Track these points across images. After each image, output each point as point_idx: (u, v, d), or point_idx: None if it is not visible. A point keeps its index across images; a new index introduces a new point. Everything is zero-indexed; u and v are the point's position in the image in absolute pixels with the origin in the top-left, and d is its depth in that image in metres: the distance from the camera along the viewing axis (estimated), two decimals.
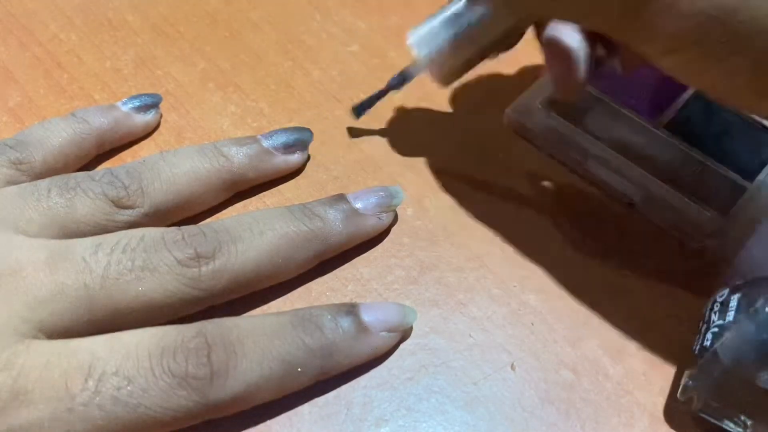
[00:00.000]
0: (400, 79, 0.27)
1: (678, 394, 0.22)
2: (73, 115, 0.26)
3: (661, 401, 0.23)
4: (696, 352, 0.22)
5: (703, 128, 0.28)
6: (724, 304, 0.22)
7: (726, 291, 0.22)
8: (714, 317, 0.22)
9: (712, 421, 0.21)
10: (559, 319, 0.25)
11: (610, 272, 0.26)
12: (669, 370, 0.24)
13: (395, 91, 0.27)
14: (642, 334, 0.24)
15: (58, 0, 0.33)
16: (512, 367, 0.23)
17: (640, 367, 0.24)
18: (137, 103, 0.28)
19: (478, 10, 0.24)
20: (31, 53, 0.31)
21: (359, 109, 0.28)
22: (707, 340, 0.21)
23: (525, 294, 0.25)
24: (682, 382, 0.22)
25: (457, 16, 0.24)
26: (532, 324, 0.24)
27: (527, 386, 0.23)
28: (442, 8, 0.25)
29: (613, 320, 0.25)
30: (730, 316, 0.21)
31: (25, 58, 0.31)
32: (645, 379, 0.23)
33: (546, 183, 0.28)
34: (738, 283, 0.22)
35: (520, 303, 0.25)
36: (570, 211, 0.27)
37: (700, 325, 0.23)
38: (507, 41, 0.25)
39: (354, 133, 0.29)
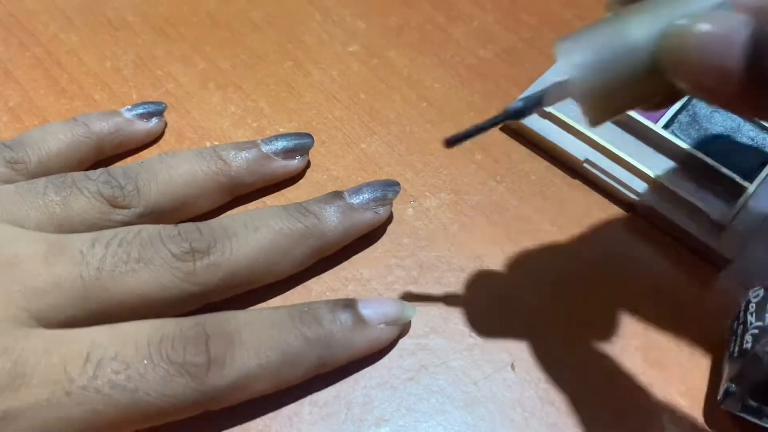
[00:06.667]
0: (530, 104, 0.20)
1: (718, 398, 0.22)
2: (74, 119, 0.26)
3: (661, 401, 0.23)
4: (734, 354, 0.22)
5: (703, 128, 0.28)
6: (760, 305, 0.21)
7: (761, 291, 0.22)
8: (751, 318, 0.21)
9: (752, 420, 0.21)
10: (558, 319, 0.25)
11: (611, 273, 0.26)
12: (670, 371, 0.24)
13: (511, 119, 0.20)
14: (643, 334, 0.24)
15: (58, 0, 0.33)
16: (512, 367, 0.23)
17: (641, 367, 0.24)
18: (140, 111, 0.28)
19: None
20: (31, 53, 0.31)
21: (453, 141, 0.21)
22: (747, 342, 0.21)
23: (525, 294, 0.25)
24: (722, 386, 0.22)
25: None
26: (532, 324, 0.24)
27: (527, 386, 0.23)
28: (613, 21, 0.17)
29: (613, 320, 0.25)
30: None
31: (25, 58, 0.31)
32: (646, 379, 0.23)
33: (546, 184, 0.28)
34: None
35: (519, 303, 0.25)
36: (570, 213, 0.27)
37: (734, 326, 0.22)
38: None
39: (355, 135, 0.29)
